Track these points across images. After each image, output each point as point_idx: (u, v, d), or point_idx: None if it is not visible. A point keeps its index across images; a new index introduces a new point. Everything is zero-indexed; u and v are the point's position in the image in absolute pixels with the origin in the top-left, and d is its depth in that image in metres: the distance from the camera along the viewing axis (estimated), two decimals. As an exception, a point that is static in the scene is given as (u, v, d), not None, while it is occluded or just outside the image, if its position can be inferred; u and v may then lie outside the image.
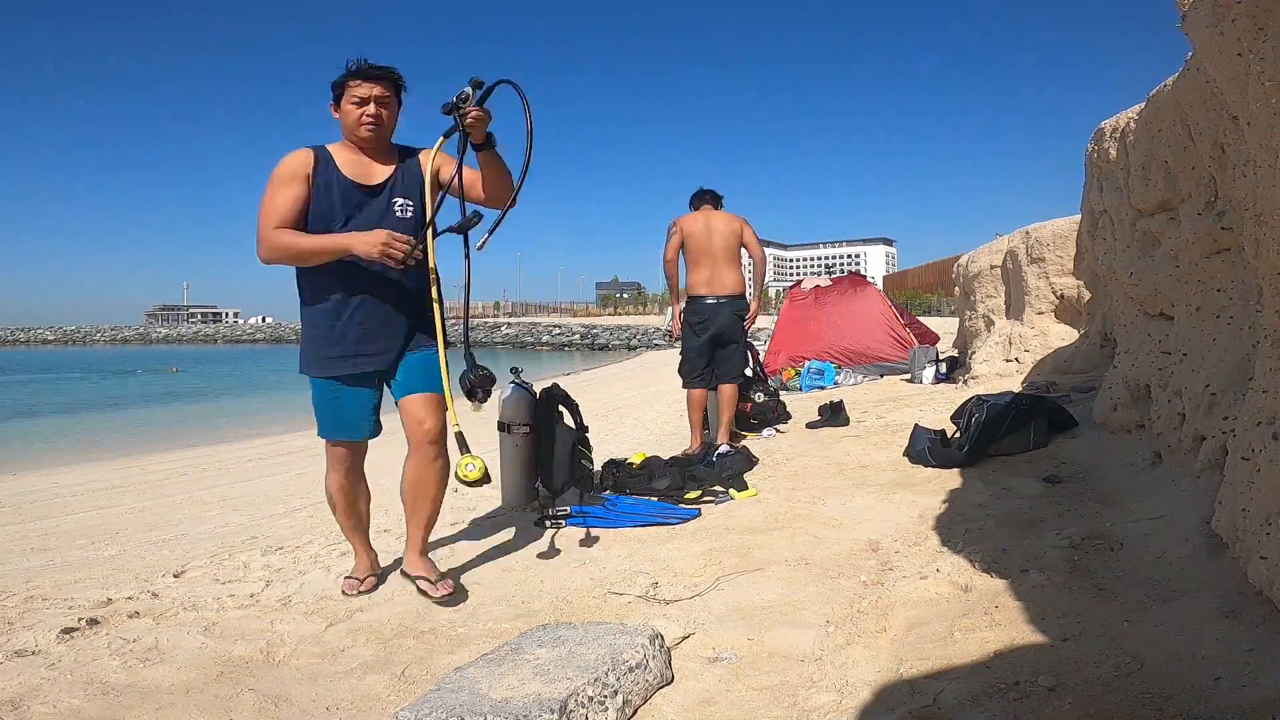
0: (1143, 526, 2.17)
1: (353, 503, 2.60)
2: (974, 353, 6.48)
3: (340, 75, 2.35)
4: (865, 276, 10.19)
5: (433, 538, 2.91)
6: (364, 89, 2.32)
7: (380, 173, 2.39)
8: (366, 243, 2.20)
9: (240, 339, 74.48)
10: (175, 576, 2.98)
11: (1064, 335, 5.60)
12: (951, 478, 3.33)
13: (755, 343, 8.83)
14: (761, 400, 5.32)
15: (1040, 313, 5.79)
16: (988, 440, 3.51)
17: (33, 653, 2.15)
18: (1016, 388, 5.08)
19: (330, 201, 2.31)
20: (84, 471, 8.15)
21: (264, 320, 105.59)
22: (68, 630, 2.30)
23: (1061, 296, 5.65)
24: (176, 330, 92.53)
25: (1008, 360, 5.91)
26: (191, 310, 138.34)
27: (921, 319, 11.32)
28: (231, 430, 11.87)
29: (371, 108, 2.32)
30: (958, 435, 3.78)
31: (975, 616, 1.87)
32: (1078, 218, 4.96)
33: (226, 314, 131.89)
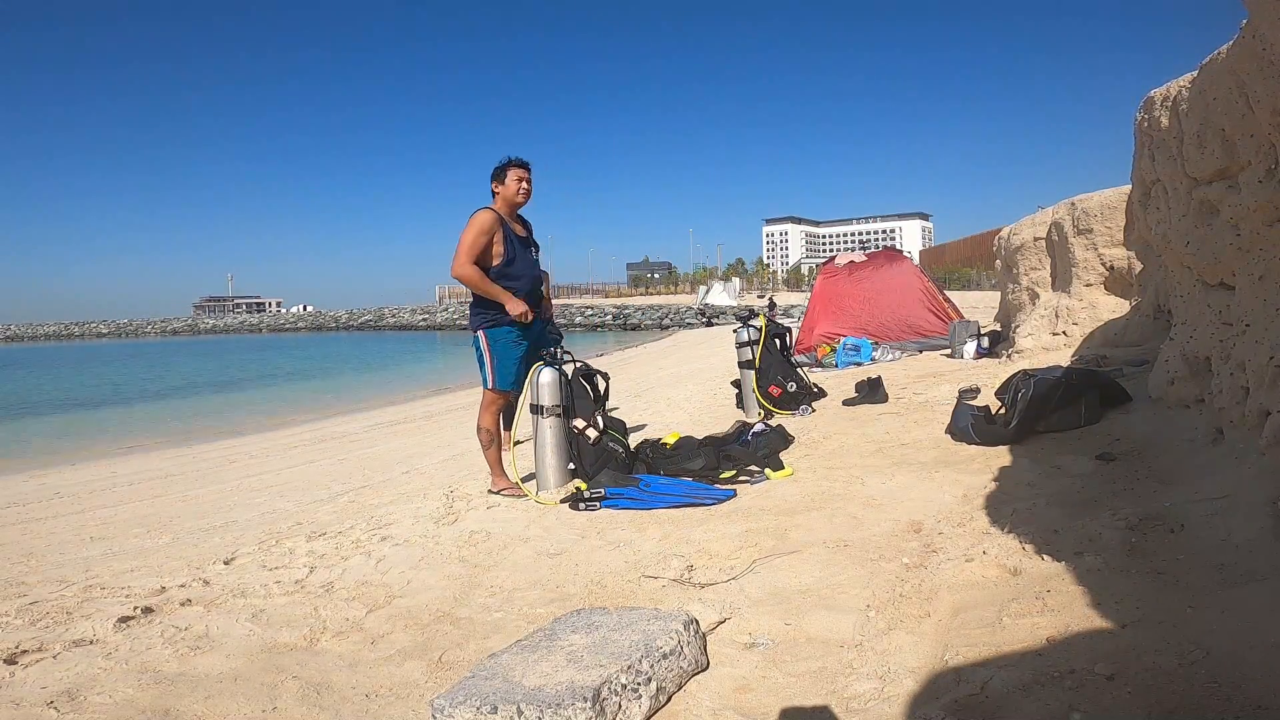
0: (1205, 506, 2.06)
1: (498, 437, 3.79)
2: (1018, 326, 6.28)
3: (502, 163, 3.64)
4: (901, 251, 9.93)
5: (470, 523, 3.23)
6: (521, 172, 3.64)
7: (520, 229, 3.73)
8: (515, 308, 3.56)
9: (284, 327, 76.31)
10: (225, 563, 3.07)
11: (1114, 307, 5.39)
12: (997, 456, 3.23)
13: (789, 321, 8.70)
14: (793, 390, 5.27)
15: (1089, 285, 5.57)
16: (1036, 416, 3.38)
17: (90, 642, 2.22)
18: (1064, 361, 4.90)
19: (511, 246, 3.62)
20: (139, 461, 8.46)
21: (305, 309, 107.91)
22: (124, 619, 2.38)
23: (1111, 268, 5.43)
24: (223, 320, 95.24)
25: (1054, 334, 5.71)
26: (236, 301, 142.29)
27: (961, 293, 11.02)
28: (273, 417, 12.20)
29: (527, 184, 3.68)
30: (1003, 411, 3.66)
31: (1026, 601, 1.80)
32: (1126, 188, 4.75)
33: (269, 304, 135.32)
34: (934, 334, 7.76)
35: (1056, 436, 3.31)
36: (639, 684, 1.62)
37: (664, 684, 1.67)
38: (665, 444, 4.04)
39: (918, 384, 5.58)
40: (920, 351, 7.62)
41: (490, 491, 3.73)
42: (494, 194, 3.67)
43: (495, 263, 3.59)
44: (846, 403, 5.15)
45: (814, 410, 5.11)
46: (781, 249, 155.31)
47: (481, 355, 3.66)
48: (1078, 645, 1.56)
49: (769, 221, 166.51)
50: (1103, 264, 5.47)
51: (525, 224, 3.79)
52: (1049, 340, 5.70)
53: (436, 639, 2.15)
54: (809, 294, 9.95)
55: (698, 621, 1.87)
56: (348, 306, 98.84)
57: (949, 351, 7.05)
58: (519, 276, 3.63)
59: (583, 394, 3.84)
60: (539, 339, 3.78)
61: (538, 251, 3.85)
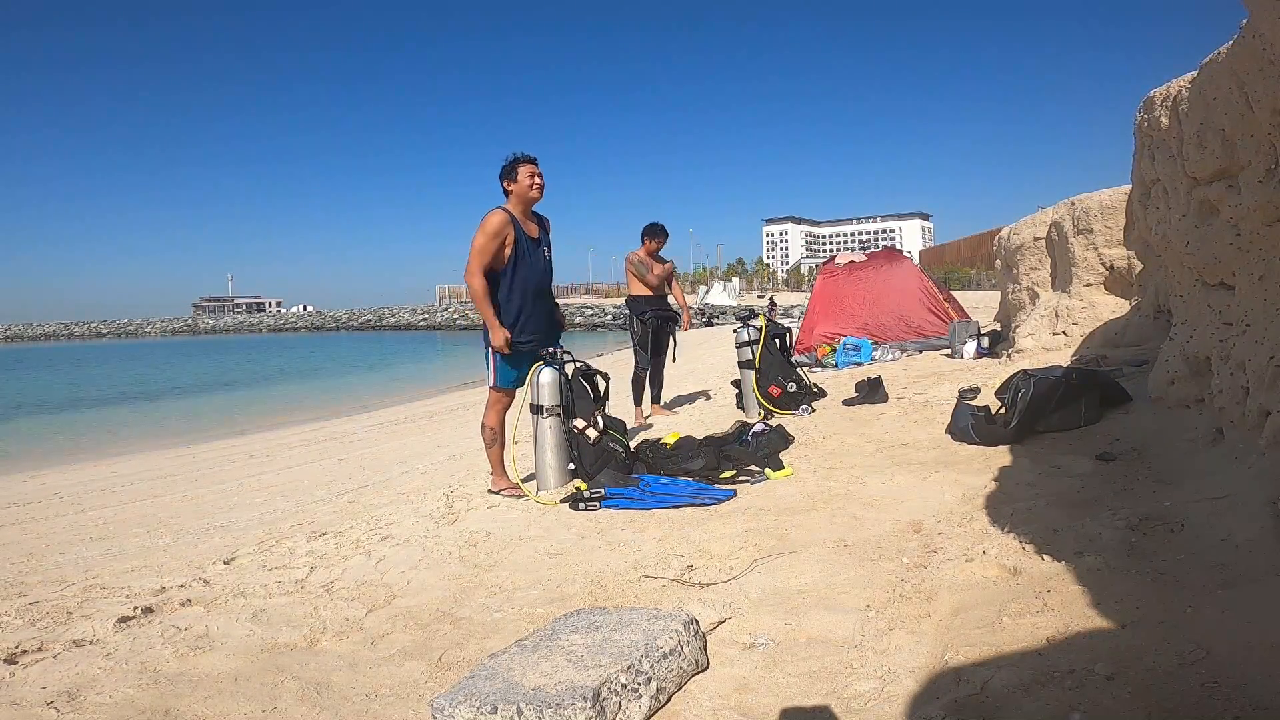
0: (1205, 506, 2.06)
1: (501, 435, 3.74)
2: (1018, 326, 6.28)
3: (511, 160, 3.57)
4: (901, 251, 9.93)
5: (470, 523, 3.25)
6: (532, 167, 3.57)
7: (534, 229, 3.69)
8: (496, 338, 3.55)
9: (283, 327, 76.33)
10: (225, 563, 3.07)
11: (1114, 307, 5.39)
12: (997, 456, 3.23)
13: (789, 320, 8.70)
14: (793, 390, 5.28)
15: (1088, 284, 5.57)
16: (1036, 416, 3.38)
17: (90, 642, 2.22)
18: (1064, 361, 4.90)
19: (522, 247, 3.57)
20: (139, 461, 8.46)
21: (305, 309, 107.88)
22: (124, 619, 2.38)
23: (1111, 268, 5.43)
24: (223, 320, 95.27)
25: (1054, 334, 5.71)
26: (236, 301, 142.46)
27: (961, 293, 11.03)
28: (274, 417, 12.20)
29: (540, 179, 3.61)
30: (1003, 411, 3.66)
31: (1026, 601, 1.80)
32: (1126, 187, 4.75)
33: (269, 304, 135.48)
34: (934, 334, 7.77)
35: (1056, 436, 3.31)
36: (639, 684, 1.62)
37: (664, 684, 1.67)
38: (665, 444, 4.04)
39: (918, 384, 5.58)
40: (920, 351, 7.62)
41: (490, 491, 3.73)
42: (506, 193, 3.61)
43: (503, 264, 3.57)
44: (846, 403, 5.15)
45: (814, 410, 5.11)
46: (781, 249, 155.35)
47: (487, 353, 3.68)
48: (1078, 645, 1.56)
49: (769, 221, 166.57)
50: (1103, 264, 5.47)
51: (541, 223, 3.75)
52: (1049, 340, 5.70)
53: (436, 639, 2.15)
54: (809, 294, 9.95)
55: (698, 621, 1.87)
56: (348, 306, 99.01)
57: (949, 351, 7.05)
58: (525, 278, 3.62)
59: (583, 394, 3.84)
60: (546, 340, 3.78)
61: (549, 252, 3.82)
